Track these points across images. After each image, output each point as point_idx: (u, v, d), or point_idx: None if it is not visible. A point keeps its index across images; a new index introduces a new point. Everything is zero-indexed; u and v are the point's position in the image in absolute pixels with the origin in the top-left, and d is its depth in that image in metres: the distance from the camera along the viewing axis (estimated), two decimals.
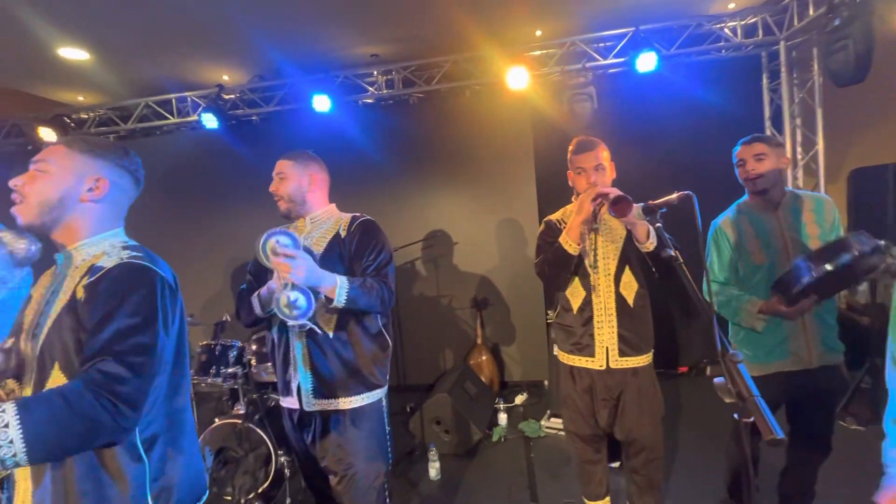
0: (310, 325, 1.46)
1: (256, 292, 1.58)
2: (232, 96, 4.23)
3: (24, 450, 0.73)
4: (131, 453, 0.94)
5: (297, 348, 1.57)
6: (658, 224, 1.25)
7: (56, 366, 0.92)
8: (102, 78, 4.06)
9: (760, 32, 3.58)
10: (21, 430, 0.73)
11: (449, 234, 4.05)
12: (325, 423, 1.60)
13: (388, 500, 1.69)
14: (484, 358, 3.81)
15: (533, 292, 3.91)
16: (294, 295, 1.40)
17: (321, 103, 3.85)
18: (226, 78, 4.32)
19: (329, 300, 1.46)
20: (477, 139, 3.96)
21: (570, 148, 1.81)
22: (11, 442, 0.72)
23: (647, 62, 3.42)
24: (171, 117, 4.30)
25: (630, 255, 1.74)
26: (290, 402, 1.64)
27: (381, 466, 1.64)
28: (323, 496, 1.75)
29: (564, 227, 1.73)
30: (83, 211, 1.01)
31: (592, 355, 1.78)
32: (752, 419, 0.75)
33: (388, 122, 4.13)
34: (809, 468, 1.79)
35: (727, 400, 0.80)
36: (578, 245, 1.70)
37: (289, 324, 1.46)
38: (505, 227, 3.98)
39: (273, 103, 4.18)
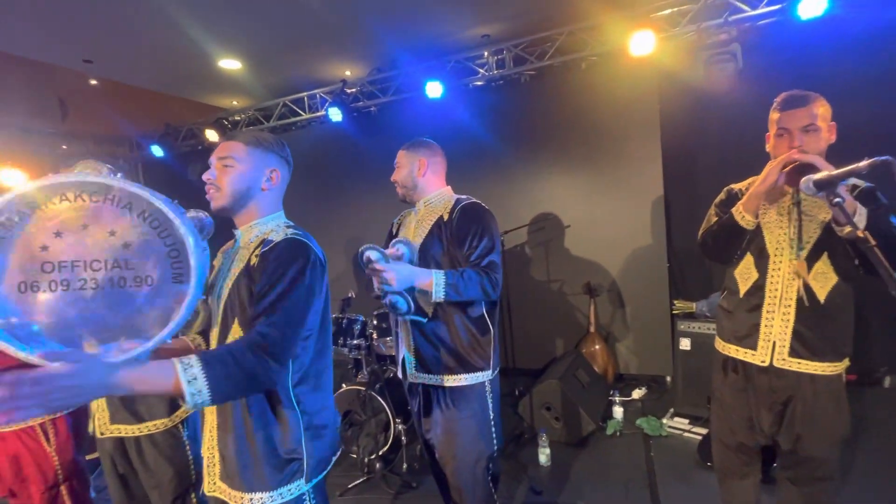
0: (414, 318, 1.58)
1: (360, 249, 1.67)
2: (353, 90, 4.54)
3: (209, 395, 0.90)
4: (288, 403, 1.10)
5: (401, 327, 1.69)
6: (837, 200, 1.02)
7: (235, 321, 1.11)
8: (250, 83, 4.68)
9: None
10: (206, 381, 0.90)
11: (560, 216, 3.89)
12: (428, 397, 1.68)
13: (491, 484, 1.68)
14: (597, 347, 3.62)
15: (656, 280, 3.58)
16: (393, 299, 1.53)
17: (433, 89, 3.94)
18: (348, 73, 4.66)
19: (429, 294, 1.50)
20: (593, 114, 3.70)
21: (775, 104, 1.47)
22: (200, 391, 0.89)
23: (813, 5, 2.82)
24: (303, 113, 4.79)
25: (834, 242, 1.38)
26: (401, 373, 1.75)
27: (483, 450, 1.63)
28: (436, 463, 1.82)
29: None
30: (261, 197, 1.19)
31: (754, 348, 1.49)
32: None
33: (498, 103, 4.08)
34: None
35: None
36: (754, 219, 1.44)
37: (400, 321, 1.62)
38: (623, 208, 3.68)
39: (389, 94, 4.40)
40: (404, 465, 2.67)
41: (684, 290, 3.52)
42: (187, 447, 1.67)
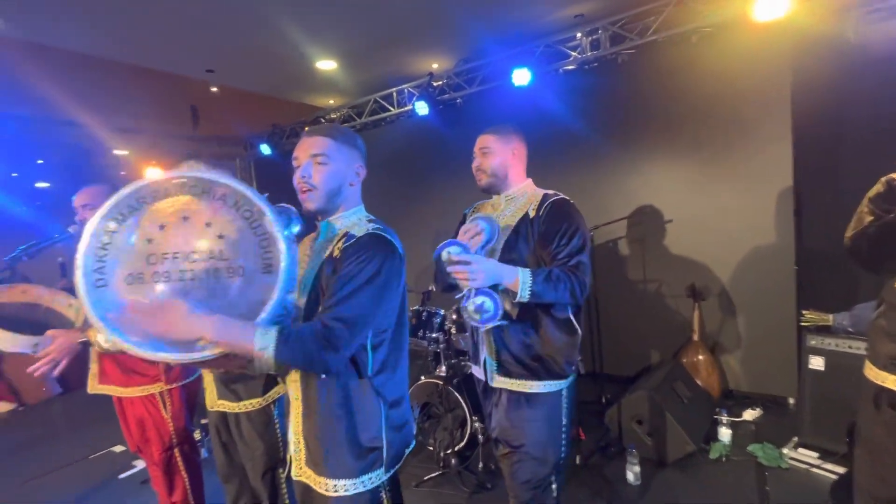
0: (499, 323, 1.43)
1: (438, 246, 1.50)
2: (440, 82, 4.53)
3: (273, 363, 0.97)
4: (370, 393, 1.13)
5: (462, 306, 1.54)
6: None
7: (320, 310, 1.13)
8: (344, 82, 4.92)
9: None
10: (274, 353, 0.96)
11: (660, 210, 3.50)
12: (504, 400, 1.58)
13: (555, 494, 1.58)
14: (701, 358, 3.21)
15: (780, 286, 3.07)
16: (479, 299, 1.38)
17: (521, 77, 3.77)
18: (435, 66, 4.67)
19: (513, 293, 1.39)
20: (705, 93, 3.25)
21: None
22: (266, 358, 0.96)
23: None
24: (392, 108, 4.91)
25: None
26: (478, 372, 1.67)
27: (549, 458, 1.53)
28: None
29: None
30: (348, 193, 1.21)
31: None
32: None
33: (590, 87, 3.78)
34: None
35: None
36: None
37: (480, 330, 1.47)
38: (739, 201, 3.20)
39: (475, 84, 4.31)
40: (480, 465, 2.62)
41: (816, 300, 2.95)
42: (276, 426, 1.78)
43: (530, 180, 1.64)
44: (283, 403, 1.82)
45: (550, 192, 1.56)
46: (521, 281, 1.36)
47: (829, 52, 2.86)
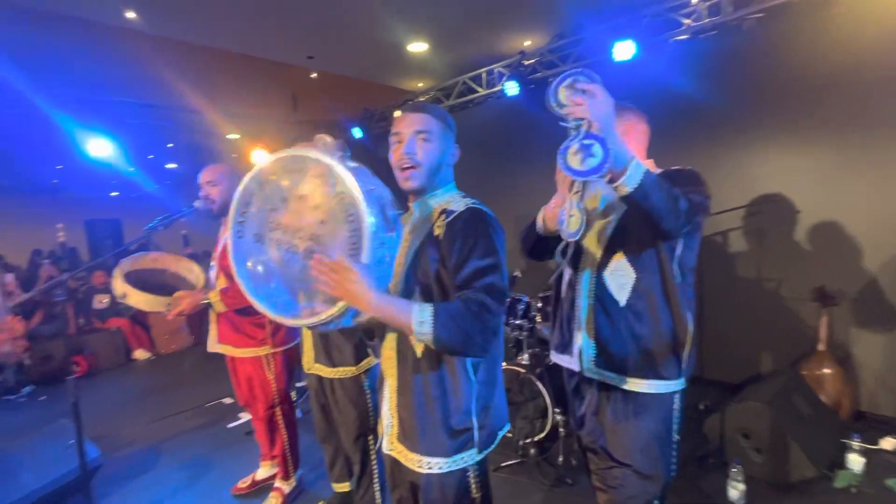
0: (599, 178, 1.13)
1: (559, 77, 1.21)
2: (531, 61, 4.35)
3: (432, 338, 0.98)
4: (465, 373, 1.12)
5: (583, 310, 1.41)
6: None
7: (416, 289, 1.14)
8: (434, 63, 4.93)
9: None
10: (433, 326, 0.98)
11: (788, 198, 3.05)
12: (604, 398, 1.43)
13: None
14: (827, 371, 2.78)
15: None
16: (588, 141, 1.09)
17: (623, 50, 3.47)
18: (527, 43, 4.49)
19: (613, 178, 1.13)
20: (850, 64, 2.74)
21: None
22: (425, 333, 0.98)
23: None
24: (480, 90, 4.82)
25: None
26: (569, 363, 1.50)
27: (658, 476, 1.37)
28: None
29: None
30: (444, 171, 1.19)
31: None
32: None
33: (706, 59, 3.37)
34: None
35: None
36: None
37: (576, 179, 1.17)
38: (885, 193, 2.68)
39: (570, 61, 4.07)
40: (560, 458, 2.53)
41: None
42: (367, 396, 1.85)
43: (651, 161, 1.48)
44: (374, 376, 1.88)
45: (674, 168, 1.42)
46: (632, 163, 1.11)
47: None
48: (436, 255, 1.10)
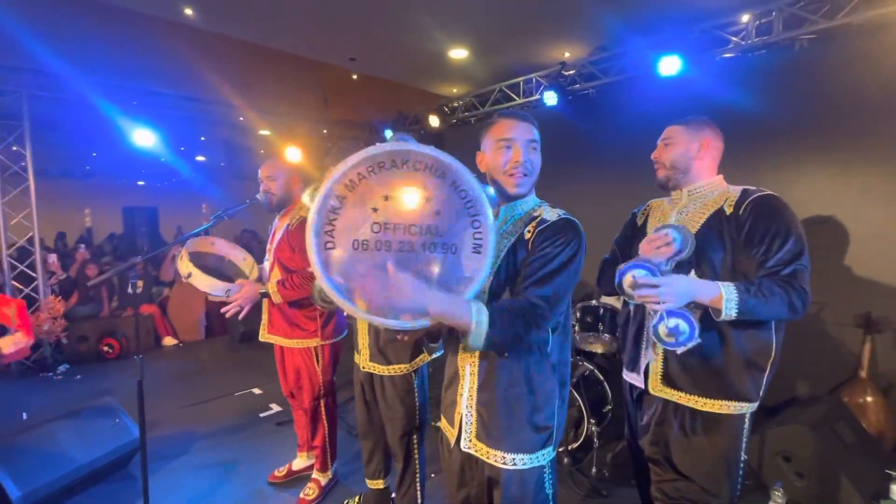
0: (697, 342, 1.27)
1: (618, 269, 1.39)
2: (571, 72, 4.37)
3: (483, 341, 1.00)
4: (549, 371, 1.16)
5: (653, 329, 1.39)
6: None
7: (506, 290, 1.16)
8: (473, 70, 4.96)
9: None
10: (486, 326, 1.00)
11: (837, 219, 3.01)
12: (668, 415, 1.43)
13: None
14: (870, 399, 2.73)
15: None
16: (673, 322, 1.25)
17: (669, 66, 3.48)
18: (567, 55, 4.51)
19: (716, 312, 1.24)
20: None
21: None
22: (480, 333, 1.00)
23: None
24: (517, 98, 4.86)
25: None
26: (634, 379, 1.54)
27: (723, 495, 1.36)
28: (647, 482, 1.60)
29: None
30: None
31: None
32: None
33: (754, 77, 3.36)
34: None
35: None
36: None
37: (678, 351, 1.30)
38: None
39: (612, 74, 4.08)
40: (593, 469, 2.52)
41: None
42: (416, 393, 1.87)
43: (720, 177, 1.48)
44: (423, 374, 1.91)
45: (752, 187, 1.39)
46: (724, 297, 1.21)
47: None
48: (523, 256, 1.15)
